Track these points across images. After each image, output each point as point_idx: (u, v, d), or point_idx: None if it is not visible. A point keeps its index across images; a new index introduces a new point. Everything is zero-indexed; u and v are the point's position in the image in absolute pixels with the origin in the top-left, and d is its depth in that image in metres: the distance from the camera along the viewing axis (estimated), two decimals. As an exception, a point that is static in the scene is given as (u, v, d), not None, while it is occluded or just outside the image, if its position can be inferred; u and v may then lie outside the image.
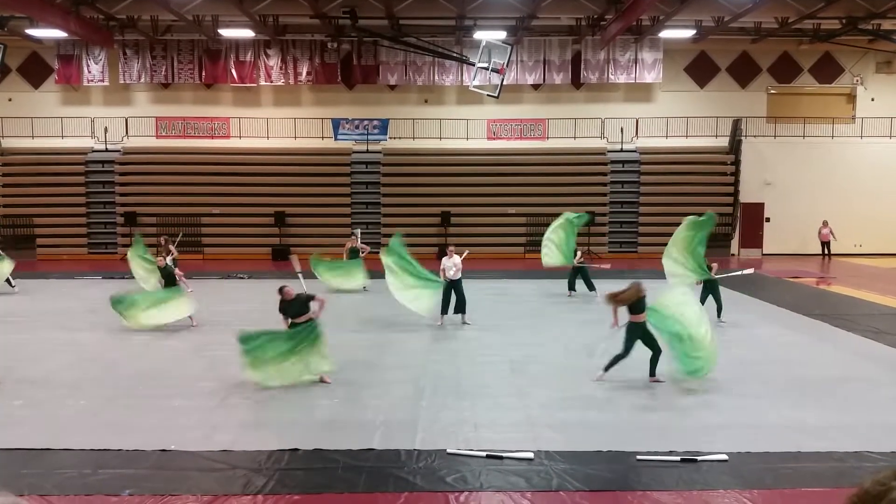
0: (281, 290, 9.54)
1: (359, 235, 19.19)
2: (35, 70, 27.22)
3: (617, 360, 9.22)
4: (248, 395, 8.91)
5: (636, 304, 9.24)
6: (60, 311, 15.22)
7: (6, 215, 26.30)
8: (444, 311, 13.38)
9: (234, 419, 7.99)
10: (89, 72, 26.32)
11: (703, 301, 13.21)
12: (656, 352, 9.22)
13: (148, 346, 11.69)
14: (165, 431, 7.46)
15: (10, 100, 26.77)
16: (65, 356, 10.96)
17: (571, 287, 16.96)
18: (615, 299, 9.36)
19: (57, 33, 22.95)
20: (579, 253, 17.20)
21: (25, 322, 13.66)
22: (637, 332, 9.20)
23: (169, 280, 13.46)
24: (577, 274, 16.92)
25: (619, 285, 9.74)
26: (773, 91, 27.71)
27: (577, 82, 26.84)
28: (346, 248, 17.91)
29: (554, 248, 17.02)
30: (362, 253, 17.64)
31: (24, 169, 26.64)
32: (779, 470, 6.49)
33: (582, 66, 26.49)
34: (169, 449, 6.95)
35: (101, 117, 27.12)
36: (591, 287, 16.77)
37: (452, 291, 13.37)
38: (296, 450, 6.93)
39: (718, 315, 13.28)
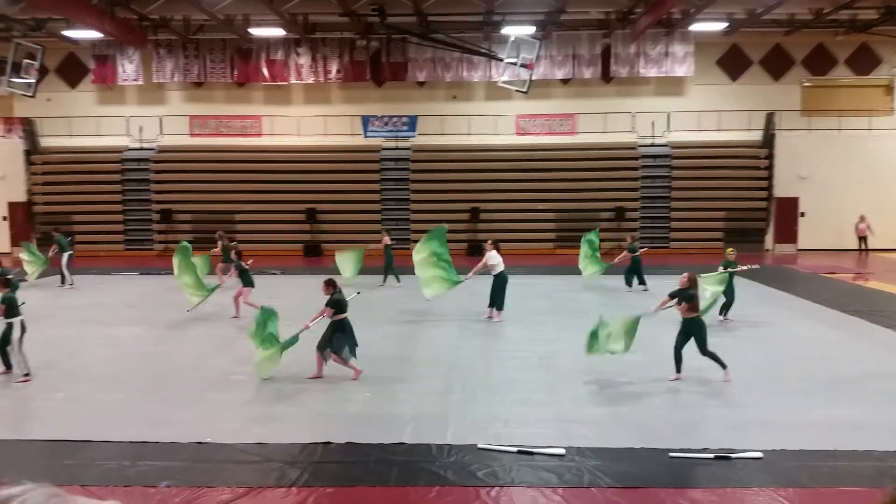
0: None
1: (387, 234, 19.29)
2: (72, 70, 27.78)
3: (714, 358, 9.07)
4: (281, 388, 9.03)
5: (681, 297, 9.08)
6: (98, 306, 15.54)
7: (45, 212, 26.90)
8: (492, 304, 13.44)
9: (267, 412, 8.12)
10: (124, 71, 26.76)
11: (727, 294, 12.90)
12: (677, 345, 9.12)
13: (183, 340, 11.90)
14: (201, 424, 7.60)
15: (48, 100, 27.32)
16: (103, 350, 11.20)
17: (630, 282, 16.87)
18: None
19: (92, 34, 23.36)
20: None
21: (64, 317, 13.98)
22: (686, 328, 9.07)
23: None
24: (633, 269, 16.77)
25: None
26: (807, 84, 27.20)
27: (606, 76, 26.61)
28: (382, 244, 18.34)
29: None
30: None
31: (62, 167, 27.19)
32: (815, 468, 6.41)
33: (612, 60, 26.25)
34: (205, 441, 7.08)
35: (135, 116, 27.58)
36: (641, 281, 16.68)
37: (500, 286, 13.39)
38: (328, 443, 7.02)
39: (721, 312, 12.87)
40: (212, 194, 26.74)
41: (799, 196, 26.86)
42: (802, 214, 27.02)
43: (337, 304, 9.23)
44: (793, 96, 26.95)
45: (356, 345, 9.36)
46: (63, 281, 17.93)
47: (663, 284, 16.00)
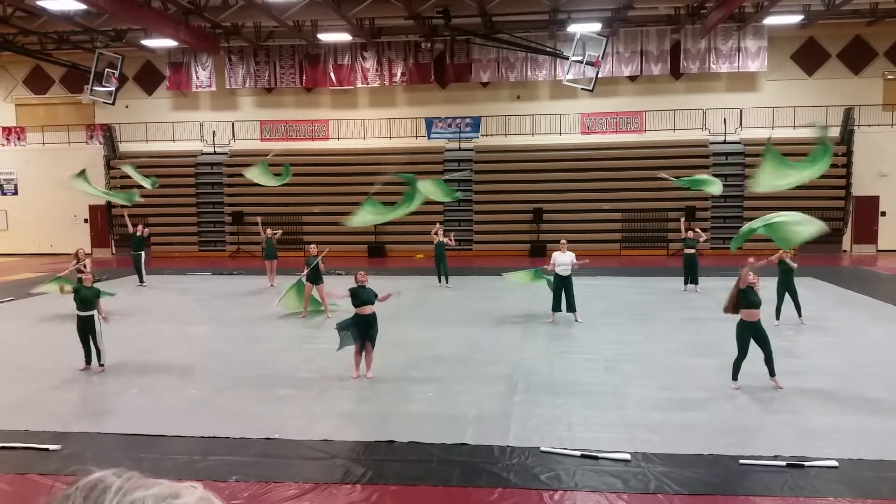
0: (356, 276, 9.74)
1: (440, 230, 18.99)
2: (148, 78, 28.90)
3: (736, 364, 8.78)
4: (346, 386, 9.18)
5: (742, 298, 8.69)
6: (173, 305, 16.12)
7: (123, 214, 28.04)
8: (557, 308, 13.27)
9: (333, 410, 8.26)
10: (198, 78, 27.70)
11: (780, 296, 12.36)
12: (767, 351, 8.67)
13: (253, 339, 12.21)
14: (269, 420, 7.80)
15: (126, 106, 28.50)
16: (176, 348, 11.60)
17: (687, 281, 16.56)
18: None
19: (168, 42, 24.25)
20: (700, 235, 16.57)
21: (140, 315, 14.54)
22: (747, 331, 8.69)
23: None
24: (691, 266, 16.47)
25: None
26: (890, 77, 25.94)
27: (676, 73, 26.02)
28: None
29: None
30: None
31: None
32: (895, 479, 6.11)
33: (681, 56, 25.67)
34: (273, 437, 7.25)
35: (209, 121, 28.48)
36: (694, 280, 16.33)
37: (563, 289, 13.21)
38: (392, 441, 7.09)
39: (799, 314, 12.41)
40: (281, 196, 27.34)
41: (879, 194, 25.67)
42: (883, 214, 25.81)
43: (351, 293, 9.49)
44: (874, 90, 25.77)
45: (359, 341, 9.43)
46: (141, 280, 18.72)
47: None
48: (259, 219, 19.81)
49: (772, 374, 8.73)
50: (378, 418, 7.97)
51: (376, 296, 9.51)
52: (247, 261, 25.40)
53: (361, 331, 9.38)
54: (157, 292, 17.92)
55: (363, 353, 9.49)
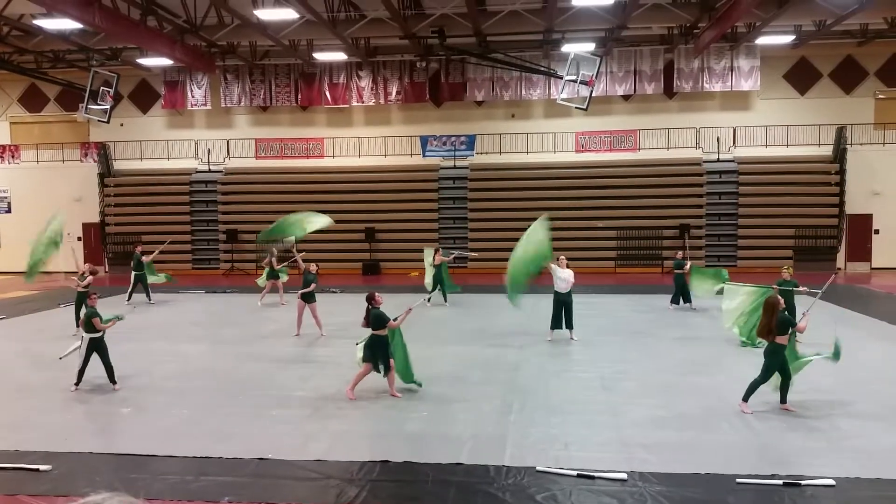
0: (373, 297, 9.60)
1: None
2: (143, 96, 28.95)
3: (755, 386, 8.56)
4: (341, 405, 9.10)
5: (783, 324, 8.48)
6: (166, 323, 16.03)
7: (118, 233, 27.99)
8: (557, 325, 13.22)
9: (327, 429, 8.18)
10: (193, 96, 27.76)
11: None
12: (787, 377, 8.55)
13: (247, 357, 12.13)
14: (263, 440, 7.72)
15: (121, 125, 28.51)
16: (170, 366, 11.51)
17: (675, 300, 16.60)
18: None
19: (164, 61, 24.31)
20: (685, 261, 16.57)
21: (133, 333, 14.43)
22: (781, 355, 8.48)
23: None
24: (682, 286, 16.48)
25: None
26: (881, 96, 26.17)
27: (669, 92, 26.21)
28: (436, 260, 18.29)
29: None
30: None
31: (134, 189, 28.26)
32: (892, 498, 6.08)
33: (675, 75, 25.87)
34: (266, 457, 7.18)
35: (204, 140, 28.51)
36: (687, 300, 16.38)
37: (563, 307, 13.16)
38: (386, 461, 7.02)
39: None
40: (276, 215, 27.17)
41: (872, 212, 25.81)
42: (877, 232, 25.93)
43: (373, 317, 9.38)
44: (865, 109, 25.99)
45: (385, 366, 9.36)
46: (148, 296, 18.78)
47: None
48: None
49: (783, 400, 8.59)
50: (372, 438, 7.91)
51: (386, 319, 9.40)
52: (241, 279, 25.30)
53: (381, 351, 9.32)
54: (150, 310, 17.82)
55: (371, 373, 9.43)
